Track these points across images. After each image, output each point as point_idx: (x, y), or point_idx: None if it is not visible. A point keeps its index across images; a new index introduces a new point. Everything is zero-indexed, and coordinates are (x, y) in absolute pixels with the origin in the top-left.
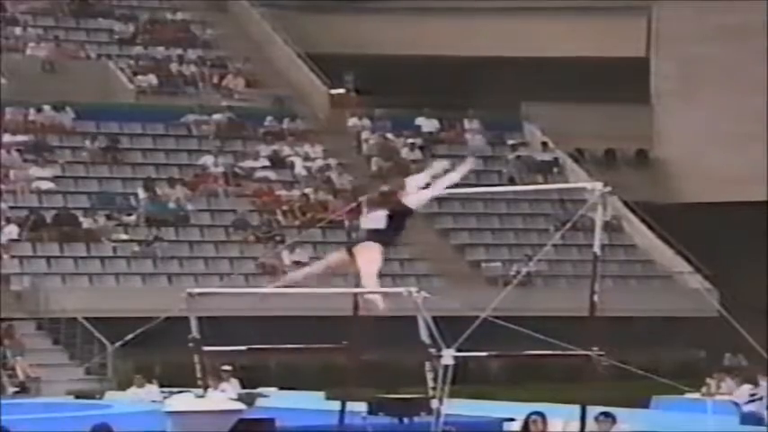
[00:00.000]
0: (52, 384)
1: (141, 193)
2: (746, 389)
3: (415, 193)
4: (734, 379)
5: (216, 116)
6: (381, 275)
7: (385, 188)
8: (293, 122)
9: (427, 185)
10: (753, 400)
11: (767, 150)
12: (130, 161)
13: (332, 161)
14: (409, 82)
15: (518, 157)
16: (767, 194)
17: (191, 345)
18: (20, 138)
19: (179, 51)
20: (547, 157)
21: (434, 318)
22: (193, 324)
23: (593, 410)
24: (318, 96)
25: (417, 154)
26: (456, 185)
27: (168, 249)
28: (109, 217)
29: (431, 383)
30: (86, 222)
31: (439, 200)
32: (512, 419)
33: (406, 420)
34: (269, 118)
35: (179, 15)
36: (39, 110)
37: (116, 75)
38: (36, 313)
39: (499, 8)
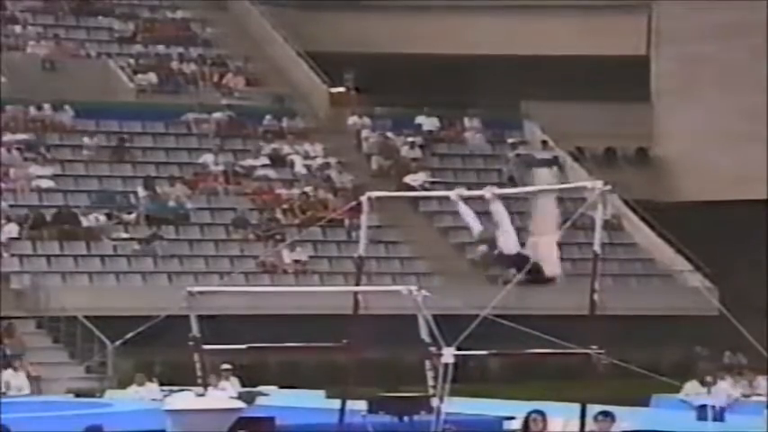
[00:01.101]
0: (52, 383)
1: (141, 192)
2: (724, 386)
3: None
4: (708, 378)
5: (216, 114)
6: (381, 274)
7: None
8: (293, 121)
9: None
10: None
11: (767, 149)
12: (130, 159)
13: (332, 160)
14: (409, 80)
15: (518, 155)
16: (767, 193)
17: (191, 343)
18: (20, 136)
19: (179, 50)
20: (547, 155)
21: (434, 316)
22: (194, 323)
23: (592, 409)
24: (318, 95)
25: (417, 152)
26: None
27: (168, 248)
28: (109, 215)
29: (431, 382)
30: (86, 221)
31: (438, 198)
32: (512, 418)
33: (406, 419)
34: (269, 116)
35: (179, 14)
36: (39, 108)
37: (116, 73)
38: (36, 312)
39: (499, 6)
